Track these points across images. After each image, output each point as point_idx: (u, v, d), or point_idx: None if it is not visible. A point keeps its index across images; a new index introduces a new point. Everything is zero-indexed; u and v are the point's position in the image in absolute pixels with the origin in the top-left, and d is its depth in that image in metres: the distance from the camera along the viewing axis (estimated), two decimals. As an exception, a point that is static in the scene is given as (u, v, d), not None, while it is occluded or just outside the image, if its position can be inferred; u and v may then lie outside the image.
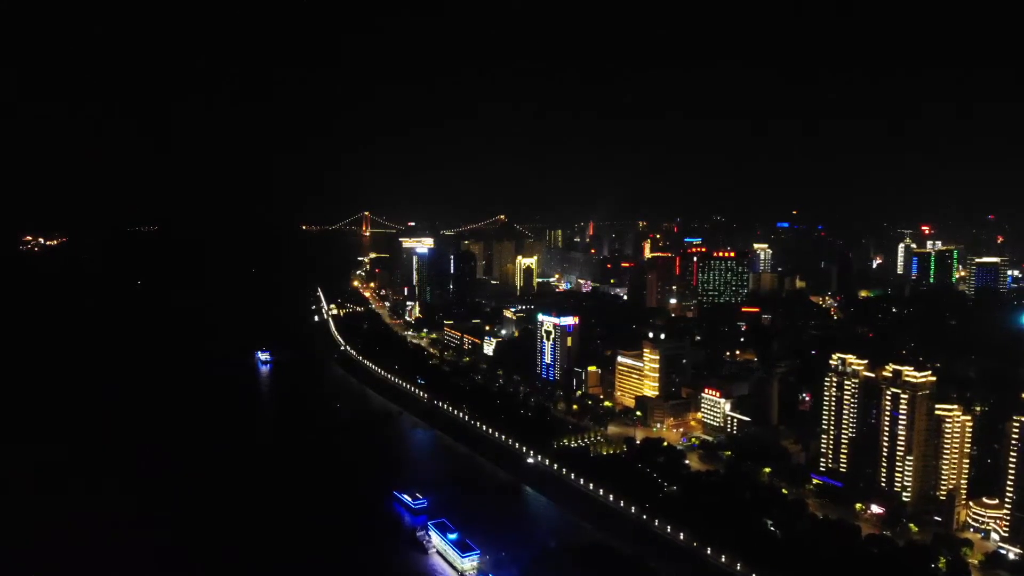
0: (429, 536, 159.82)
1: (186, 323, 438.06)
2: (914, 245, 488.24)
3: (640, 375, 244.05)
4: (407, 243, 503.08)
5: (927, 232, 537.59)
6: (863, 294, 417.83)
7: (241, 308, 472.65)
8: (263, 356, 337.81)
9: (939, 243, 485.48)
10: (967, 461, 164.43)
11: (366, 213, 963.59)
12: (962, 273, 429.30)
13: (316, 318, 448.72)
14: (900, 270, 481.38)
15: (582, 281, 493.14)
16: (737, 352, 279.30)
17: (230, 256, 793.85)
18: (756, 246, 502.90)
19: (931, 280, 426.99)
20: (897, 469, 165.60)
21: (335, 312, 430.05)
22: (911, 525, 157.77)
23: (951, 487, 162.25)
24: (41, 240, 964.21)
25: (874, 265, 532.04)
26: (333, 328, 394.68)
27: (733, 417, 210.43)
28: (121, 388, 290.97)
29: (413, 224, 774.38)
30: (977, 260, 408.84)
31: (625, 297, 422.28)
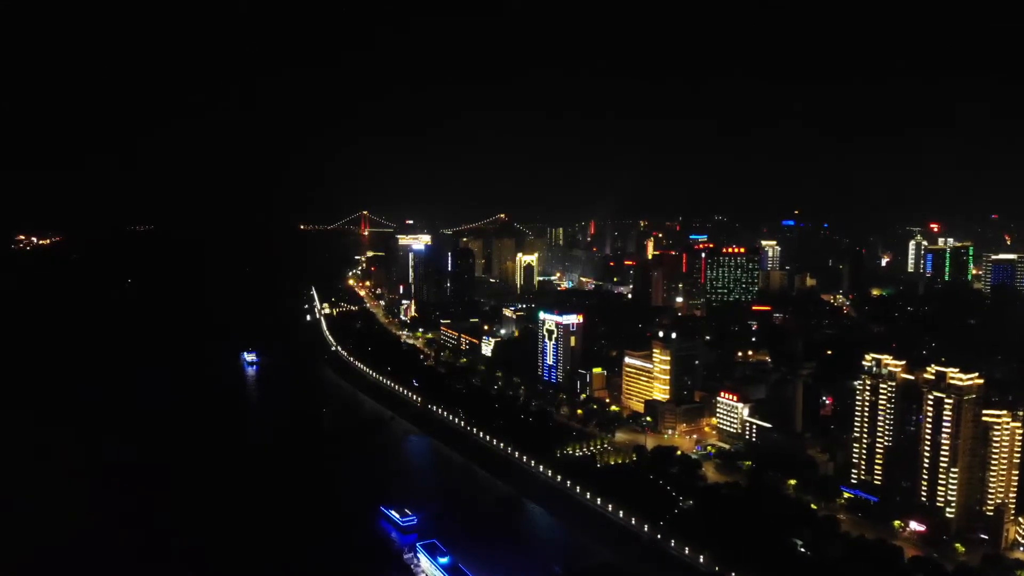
0: (418, 559, 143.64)
1: (176, 323, 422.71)
2: (925, 243, 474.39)
3: (649, 377, 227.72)
4: (403, 240, 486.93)
5: (936, 230, 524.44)
6: (875, 292, 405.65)
7: (233, 308, 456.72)
8: (249, 357, 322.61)
9: (951, 240, 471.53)
10: (1015, 473, 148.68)
11: (364, 212, 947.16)
12: (976, 271, 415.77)
13: (308, 318, 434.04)
14: (911, 268, 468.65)
15: (584, 279, 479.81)
16: (749, 352, 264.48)
17: (225, 256, 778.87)
18: (764, 243, 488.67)
19: (946, 278, 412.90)
20: (940, 482, 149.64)
21: (328, 311, 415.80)
22: (956, 545, 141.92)
23: (999, 502, 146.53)
24: (34, 239, 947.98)
25: (883, 263, 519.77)
26: (325, 328, 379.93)
27: (752, 423, 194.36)
28: (100, 391, 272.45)
29: (412, 223, 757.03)
30: (993, 257, 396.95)
31: (629, 296, 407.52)
